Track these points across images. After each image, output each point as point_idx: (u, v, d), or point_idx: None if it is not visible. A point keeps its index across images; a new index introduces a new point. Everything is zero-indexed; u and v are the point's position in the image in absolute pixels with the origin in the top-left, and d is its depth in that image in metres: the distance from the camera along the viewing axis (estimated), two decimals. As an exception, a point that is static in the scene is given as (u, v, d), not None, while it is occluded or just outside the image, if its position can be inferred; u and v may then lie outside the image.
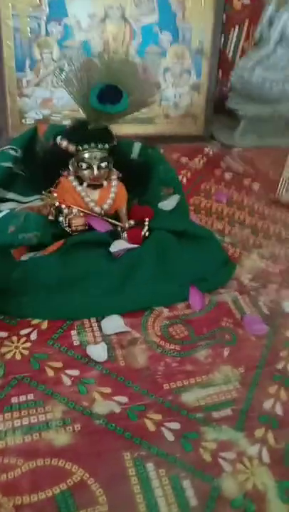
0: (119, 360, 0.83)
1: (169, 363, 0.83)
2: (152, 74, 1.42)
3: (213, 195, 1.32)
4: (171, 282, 0.95)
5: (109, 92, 0.86)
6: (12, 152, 1.03)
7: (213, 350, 0.86)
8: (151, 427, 0.72)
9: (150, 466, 0.67)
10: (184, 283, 0.96)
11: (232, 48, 1.65)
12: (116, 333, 0.87)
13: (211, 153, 1.54)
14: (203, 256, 1.00)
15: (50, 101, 1.41)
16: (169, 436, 0.71)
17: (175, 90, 1.53)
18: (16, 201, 1.03)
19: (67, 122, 1.02)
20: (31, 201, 1.02)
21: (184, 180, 1.37)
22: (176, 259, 0.97)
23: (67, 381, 0.79)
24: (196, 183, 1.37)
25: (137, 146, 1.15)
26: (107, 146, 0.93)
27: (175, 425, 0.73)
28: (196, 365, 0.83)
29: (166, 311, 0.93)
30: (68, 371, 0.80)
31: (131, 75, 0.87)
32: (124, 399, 0.76)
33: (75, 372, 0.80)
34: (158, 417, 0.74)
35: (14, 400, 0.74)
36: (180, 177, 1.36)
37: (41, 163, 0.99)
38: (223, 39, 1.59)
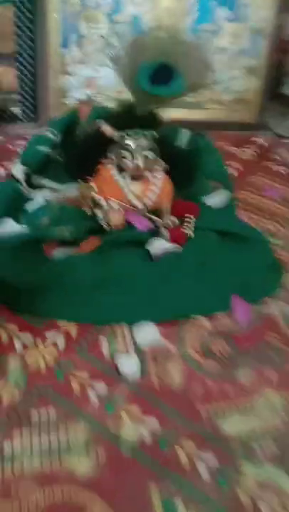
0: (152, 377, 0.75)
1: (207, 383, 0.75)
2: (207, 54, 1.30)
3: (264, 191, 1.20)
4: (214, 289, 0.86)
5: (161, 72, 0.76)
6: (50, 136, 0.95)
7: (258, 371, 0.77)
8: (183, 458, 0.64)
9: (180, 505, 0.59)
10: (228, 291, 0.87)
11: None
12: (150, 346, 0.79)
13: (263, 143, 1.41)
14: (250, 260, 0.90)
15: (94, 80, 1.31)
16: (203, 472, 0.63)
17: (228, 72, 1.41)
18: (51, 188, 0.96)
19: (112, 104, 0.93)
20: (67, 189, 0.93)
21: (234, 171, 1.25)
22: (220, 265, 0.87)
23: (93, 397, 0.71)
24: (246, 175, 1.26)
25: (185, 134, 1.05)
26: (154, 133, 0.83)
27: (210, 458, 0.65)
28: (237, 388, 0.74)
29: (206, 322, 0.84)
30: (95, 384, 0.73)
31: (185, 55, 0.77)
32: (155, 422, 0.68)
33: (103, 387, 0.72)
34: (192, 446, 0.66)
35: (34, 414, 0.67)
36: (229, 168, 1.25)
37: (81, 148, 0.90)
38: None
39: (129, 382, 0.73)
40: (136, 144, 0.82)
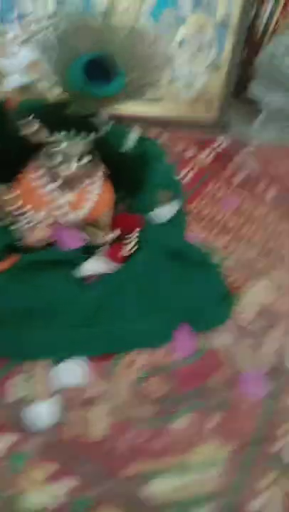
0: (70, 426, 0.63)
1: (137, 434, 0.64)
2: (163, 46, 1.18)
3: (219, 201, 1.10)
4: (156, 318, 0.75)
5: (99, 66, 0.63)
6: None
7: (197, 417, 0.67)
8: (100, 533, 0.54)
9: None
10: (171, 319, 0.76)
11: (263, 24, 1.39)
12: (74, 386, 0.68)
13: (222, 146, 1.31)
14: (198, 284, 0.80)
15: (38, 64, 1.16)
16: None
17: (190, 67, 1.29)
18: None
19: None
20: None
21: (187, 178, 1.14)
22: (163, 289, 0.76)
23: (-1, 449, 0.60)
24: (200, 182, 1.15)
25: (132, 136, 0.93)
26: (91, 136, 0.70)
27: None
28: (172, 439, 0.65)
29: (143, 357, 0.73)
30: (1, 436, 0.61)
31: (131, 46, 0.65)
32: (69, 484, 0.57)
33: (9, 440, 0.61)
34: (112, 516, 0.55)
35: None
36: (182, 174, 1.14)
37: (3, 147, 0.76)
38: (254, 11, 1.34)
39: (40, 434, 0.62)
40: (69, 148, 0.70)
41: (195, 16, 1.24)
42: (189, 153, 1.24)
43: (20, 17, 1.14)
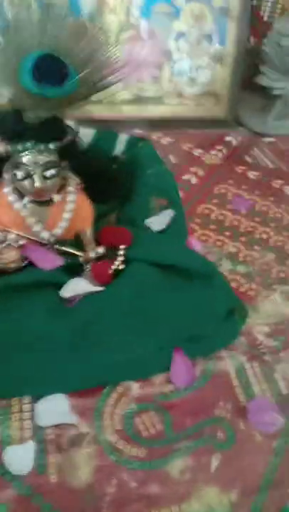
0: (49, 473, 0.56)
1: (125, 481, 0.56)
2: (160, 40, 1.10)
3: (230, 203, 1.00)
4: (148, 342, 0.66)
5: (49, 65, 0.56)
6: None
7: (196, 459, 0.58)
8: None
9: None
10: (167, 344, 0.67)
11: (269, 7, 1.28)
12: (55, 426, 0.60)
13: (233, 142, 1.20)
14: (199, 302, 0.70)
15: None
16: None
17: (191, 62, 1.20)
18: None
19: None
20: None
21: (194, 179, 1.05)
22: (157, 310, 0.67)
23: None
24: (209, 183, 1.05)
25: (122, 139, 0.85)
26: (52, 145, 0.63)
27: None
28: (165, 486, 0.55)
29: (135, 388, 0.64)
30: None
31: (79, 39, 0.57)
32: None
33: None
34: None
35: None
36: (188, 175, 1.05)
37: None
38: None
39: (17, 484, 0.54)
40: (31, 161, 0.62)
41: (189, 7, 1.15)
42: (198, 152, 1.14)
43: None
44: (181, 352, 0.66)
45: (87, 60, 0.58)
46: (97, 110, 1.11)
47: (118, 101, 1.16)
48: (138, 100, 1.19)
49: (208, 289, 0.71)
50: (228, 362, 0.68)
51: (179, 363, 0.65)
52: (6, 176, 0.66)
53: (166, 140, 1.15)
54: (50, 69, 0.56)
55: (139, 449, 0.58)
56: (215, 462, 0.58)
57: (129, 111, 1.18)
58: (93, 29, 0.60)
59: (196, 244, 0.83)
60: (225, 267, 0.83)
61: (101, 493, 0.54)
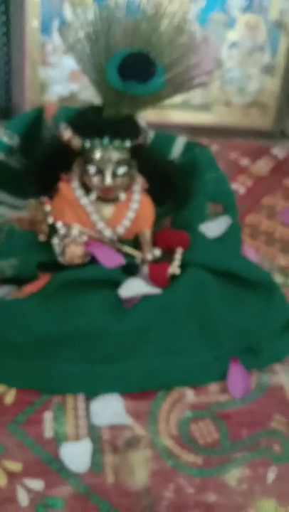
0: (106, 473, 0.55)
1: (182, 487, 0.55)
2: (213, 47, 1.10)
3: (279, 215, 0.99)
4: (205, 350, 0.65)
5: (136, 64, 0.56)
6: (5, 139, 0.75)
7: (252, 470, 0.57)
8: None
9: None
10: (224, 353, 0.66)
11: None
12: (109, 426, 0.59)
13: (280, 155, 1.20)
14: (255, 311, 0.69)
15: (80, 74, 1.11)
16: None
17: (242, 71, 1.20)
18: (8, 204, 0.76)
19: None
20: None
21: (241, 189, 1.04)
22: (213, 316, 0.67)
23: (23, 498, 0.52)
24: (257, 194, 1.05)
25: (180, 143, 0.85)
26: (128, 143, 0.63)
27: None
28: (222, 495, 0.54)
29: (190, 395, 0.64)
30: (28, 481, 0.53)
31: (170, 41, 0.57)
32: None
33: (38, 485, 0.53)
34: None
35: None
36: (236, 185, 1.04)
37: (40, 157, 0.71)
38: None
39: (74, 481, 0.54)
40: (104, 157, 0.62)
41: (245, 17, 1.15)
42: (244, 162, 1.13)
43: (62, 26, 1.09)
44: (238, 362, 0.65)
45: (178, 61, 0.58)
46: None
47: (165, 106, 1.17)
48: (185, 106, 1.19)
49: (267, 301, 0.70)
50: (283, 376, 0.67)
51: (236, 373, 0.64)
52: (76, 170, 0.66)
53: (212, 148, 1.14)
54: (137, 66, 0.56)
55: (196, 455, 0.57)
56: (271, 474, 0.57)
57: (175, 116, 1.18)
58: (187, 32, 0.59)
59: (251, 254, 0.82)
60: (276, 280, 0.82)
61: (158, 497, 0.53)
